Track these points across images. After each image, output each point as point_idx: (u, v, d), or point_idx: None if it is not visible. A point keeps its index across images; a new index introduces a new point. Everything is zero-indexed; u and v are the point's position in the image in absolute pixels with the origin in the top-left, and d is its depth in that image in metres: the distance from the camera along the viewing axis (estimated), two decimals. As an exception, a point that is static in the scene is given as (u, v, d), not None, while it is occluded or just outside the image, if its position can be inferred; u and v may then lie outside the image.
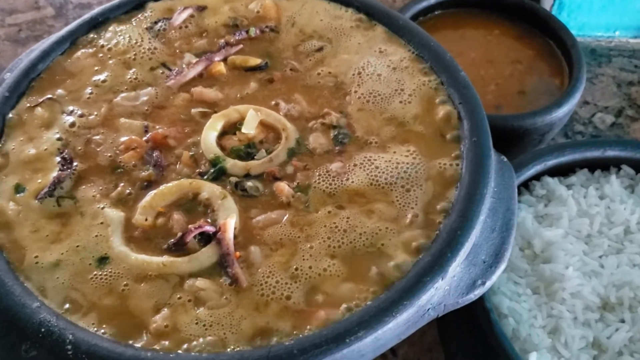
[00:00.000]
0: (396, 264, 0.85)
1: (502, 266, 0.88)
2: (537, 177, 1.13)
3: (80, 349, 0.77)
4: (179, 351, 0.79)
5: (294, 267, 0.85)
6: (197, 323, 0.81)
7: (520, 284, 0.99)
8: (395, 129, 1.01)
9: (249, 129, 0.99)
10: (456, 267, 0.84)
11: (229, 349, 0.79)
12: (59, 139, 1.01)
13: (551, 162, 1.10)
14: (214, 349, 0.79)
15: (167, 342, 0.80)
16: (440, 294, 0.83)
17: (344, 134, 1.00)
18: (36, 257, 0.88)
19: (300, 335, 0.79)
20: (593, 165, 1.13)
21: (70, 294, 0.84)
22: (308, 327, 0.80)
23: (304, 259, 0.86)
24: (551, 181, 1.11)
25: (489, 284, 0.86)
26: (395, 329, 0.80)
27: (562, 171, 1.14)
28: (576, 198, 1.09)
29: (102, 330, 0.81)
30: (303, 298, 0.83)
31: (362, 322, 0.78)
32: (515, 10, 1.42)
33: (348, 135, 1.00)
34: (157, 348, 0.79)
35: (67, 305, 0.84)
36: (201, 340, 0.80)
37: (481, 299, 0.91)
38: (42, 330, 0.79)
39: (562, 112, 1.21)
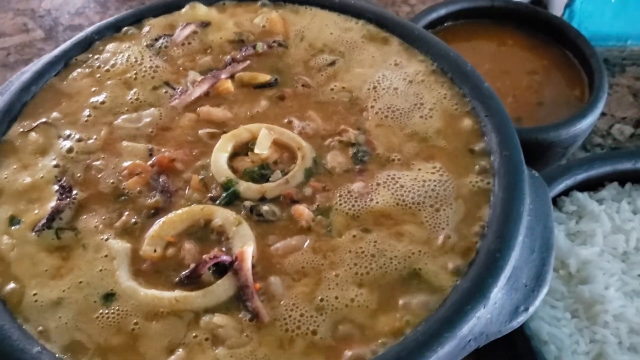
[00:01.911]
0: (432, 291, 0.78)
1: (545, 289, 0.81)
2: (566, 192, 1.06)
3: None
4: (198, 396, 0.70)
5: (319, 297, 0.78)
6: (216, 365, 0.73)
7: (558, 308, 0.92)
8: (417, 144, 0.94)
9: (262, 149, 0.92)
10: (497, 293, 0.77)
11: (253, 393, 0.70)
12: (56, 166, 0.93)
13: (581, 176, 1.04)
14: (238, 392, 0.71)
15: (184, 388, 0.71)
16: (482, 323, 0.76)
17: (363, 152, 0.93)
18: (35, 294, 0.80)
19: (332, 374, 0.71)
20: (623, 178, 1.07)
21: (75, 335, 0.76)
22: (339, 363, 0.72)
23: (329, 289, 0.79)
24: (581, 196, 1.05)
25: (532, 309, 0.79)
26: (434, 363, 0.72)
27: (590, 185, 1.08)
28: (609, 213, 1.02)
29: (111, 376, 0.72)
30: (330, 332, 0.76)
31: (401, 359, 0.70)
32: (528, 20, 1.37)
33: (368, 153, 0.93)
34: (174, 395, 0.71)
35: (71, 349, 0.75)
36: (222, 384, 0.71)
37: (520, 326, 0.84)
38: (44, 378, 0.70)
39: (586, 124, 1.15)
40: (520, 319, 0.78)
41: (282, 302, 0.78)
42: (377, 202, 0.87)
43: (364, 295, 0.78)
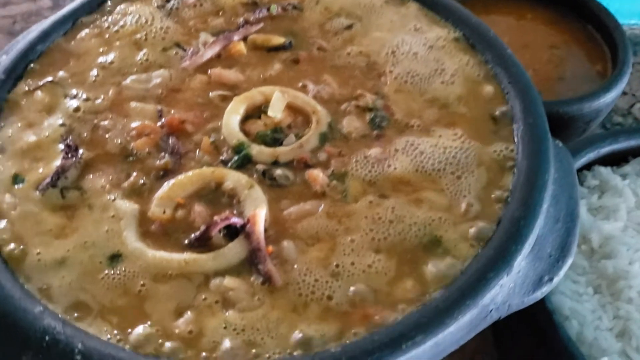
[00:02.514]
0: (454, 258, 0.75)
1: (570, 260, 0.78)
2: (588, 166, 1.03)
3: (91, 359, 0.65)
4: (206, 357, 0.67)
5: (334, 263, 0.75)
6: (226, 327, 0.70)
7: (580, 283, 0.89)
8: (438, 111, 0.90)
9: (276, 112, 0.89)
10: (521, 262, 0.74)
11: (266, 356, 0.67)
12: (62, 125, 0.90)
13: (605, 149, 1.01)
14: (249, 356, 0.67)
15: (191, 350, 0.68)
16: (505, 293, 0.73)
17: (381, 117, 0.89)
18: (38, 254, 0.76)
19: (348, 341, 0.68)
20: (648, 154, 1.03)
21: (79, 295, 0.73)
22: (354, 331, 0.69)
23: (344, 254, 0.75)
24: (604, 171, 1.01)
25: (556, 280, 0.76)
26: (456, 333, 0.69)
27: (613, 160, 1.04)
28: (633, 189, 0.99)
29: (117, 338, 0.69)
30: (346, 298, 0.72)
31: (420, 326, 0.67)
32: (548, -7, 1.33)
33: (386, 118, 0.89)
34: (182, 357, 0.67)
35: (75, 309, 0.72)
36: (232, 346, 0.68)
37: (542, 300, 0.80)
38: (46, 338, 0.67)
39: (610, 98, 1.11)
40: (545, 289, 0.75)
41: (295, 267, 0.75)
42: (395, 168, 0.84)
43: (381, 261, 0.75)
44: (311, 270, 0.74)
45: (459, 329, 0.69)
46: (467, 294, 0.70)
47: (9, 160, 0.86)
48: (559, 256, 0.77)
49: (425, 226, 0.77)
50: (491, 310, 0.72)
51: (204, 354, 0.68)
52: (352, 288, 0.73)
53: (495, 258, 0.72)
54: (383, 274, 0.74)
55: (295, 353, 0.68)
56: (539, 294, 0.75)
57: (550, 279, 0.75)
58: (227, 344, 0.68)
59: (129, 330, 0.70)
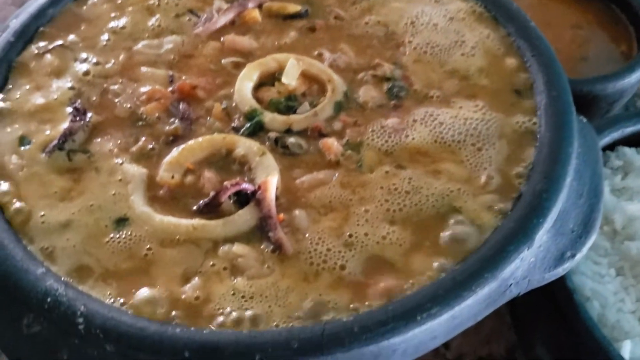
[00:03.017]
0: (473, 230, 0.71)
1: (593, 237, 0.74)
2: (611, 147, 0.99)
3: (94, 323, 0.63)
4: (213, 327, 0.64)
5: (348, 233, 0.72)
6: (234, 294, 0.67)
7: (602, 264, 0.85)
8: (459, 82, 0.88)
9: (290, 79, 0.86)
10: (543, 236, 0.70)
11: (273, 325, 0.64)
12: (71, 88, 0.88)
13: (629, 129, 0.97)
14: (256, 324, 0.65)
15: (198, 315, 0.66)
16: (525, 267, 0.70)
17: (399, 87, 0.86)
18: (42, 216, 0.74)
19: (361, 311, 0.65)
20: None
21: (82, 259, 0.71)
22: (367, 302, 0.66)
23: (358, 225, 0.73)
24: (628, 151, 0.98)
25: (579, 256, 0.73)
26: (473, 306, 0.66)
27: (638, 141, 1.00)
28: (658, 170, 0.95)
29: (120, 302, 0.67)
30: (360, 269, 0.69)
31: (437, 297, 0.64)
32: (572, -28, 1.29)
33: (404, 89, 0.86)
34: (187, 322, 0.65)
35: (78, 273, 0.70)
36: (240, 313, 0.66)
37: (562, 279, 0.77)
38: (48, 300, 0.65)
39: (635, 78, 1.08)
40: (567, 266, 0.72)
41: (307, 236, 0.72)
42: (413, 139, 0.81)
43: (396, 232, 0.72)
44: (323, 240, 0.72)
45: (477, 302, 0.66)
46: (486, 266, 0.67)
47: (16, 122, 0.84)
48: (582, 232, 0.74)
49: (443, 197, 0.74)
50: (510, 285, 0.69)
51: (210, 319, 0.65)
52: (365, 259, 0.70)
53: (516, 231, 0.69)
54: (398, 245, 0.71)
55: (304, 323, 0.65)
56: (560, 270, 0.72)
57: (573, 255, 0.72)
58: (234, 310, 0.66)
59: (133, 294, 0.68)
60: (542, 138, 0.79)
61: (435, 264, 0.69)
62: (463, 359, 0.99)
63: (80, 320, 0.64)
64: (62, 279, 0.69)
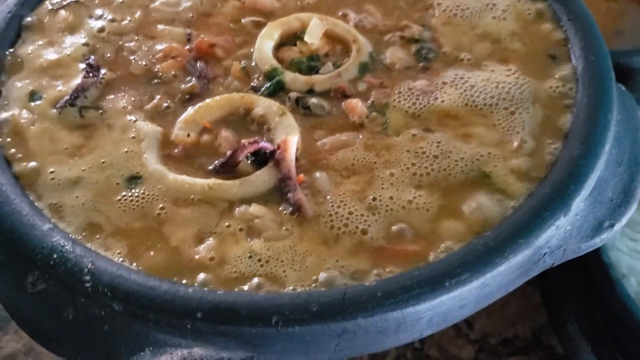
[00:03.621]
0: (505, 196, 0.67)
1: (633, 206, 0.70)
2: (649, 121, 0.93)
3: (102, 281, 0.60)
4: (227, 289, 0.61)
5: (371, 197, 0.68)
6: (250, 256, 0.63)
7: (639, 241, 0.80)
8: (490, 46, 0.83)
9: (313, 38, 0.82)
10: (580, 203, 0.66)
11: (290, 288, 0.60)
12: (85, 44, 0.85)
13: (669, 102, 0.91)
14: (273, 287, 0.61)
15: (212, 277, 0.62)
16: (561, 235, 0.65)
17: (428, 49, 0.82)
18: (52, 172, 0.71)
19: (382, 277, 0.61)
20: None
21: (92, 216, 0.67)
22: (389, 268, 0.62)
23: (382, 188, 0.68)
24: (667, 125, 0.92)
25: (617, 226, 0.68)
26: (506, 274, 0.62)
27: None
28: (698, 145, 0.89)
29: (131, 260, 0.63)
30: (383, 234, 0.65)
31: (467, 263, 0.60)
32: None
33: (434, 51, 0.82)
34: (200, 282, 0.61)
35: (87, 231, 0.66)
36: (256, 276, 0.62)
37: (597, 253, 0.73)
38: (54, 257, 0.62)
39: (674, 51, 1.01)
40: (604, 236, 0.67)
41: (328, 198, 0.68)
42: (443, 101, 0.76)
43: (422, 197, 0.68)
44: (345, 203, 0.68)
45: (509, 270, 0.62)
46: (520, 232, 0.62)
47: (27, 78, 0.81)
48: (621, 201, 0.69)
49: (473, 162, 0.70)
50: (544, 254, 0.64)
51: (224, 281, 0.62)
52: (389, 223, 0.66)
53: (552, 196, 0.65)
54: (425, 210, 0.67)
55: (323, 287, 0.61)
56: (598, 241, 0.67)
57: (612, 225, 0.67)
58: (249, 271, 0.62)
59: (144, 252, 0.64)
60: (579, 103, 0.74)
61: (464, 231, 0.65)
62: (487, 339, 0.94)
63: (87, 277, 0.60)
64: (70, 235, 0.65)
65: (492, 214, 0.66)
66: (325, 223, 0.66)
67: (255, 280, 0.62)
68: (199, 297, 0.58)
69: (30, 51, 0.83)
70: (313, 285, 0.61)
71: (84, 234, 0.66)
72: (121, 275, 0.61)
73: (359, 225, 0.66)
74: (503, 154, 0.71)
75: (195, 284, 0.61)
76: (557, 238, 0.65)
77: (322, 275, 0.62)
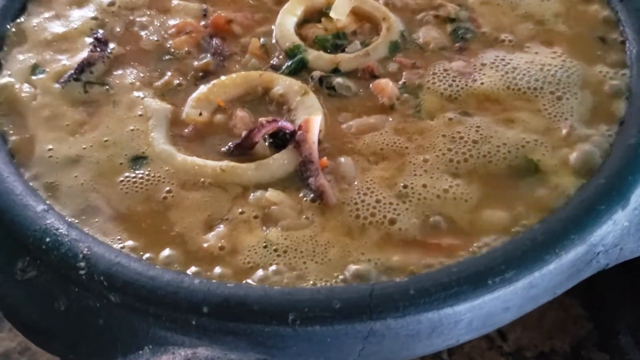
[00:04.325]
0: (554, 186, 0.59)
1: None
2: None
3: (98, 268, 0.53)
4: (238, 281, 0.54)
5: (401, 184, 0.61)
6: (265, 246, 0.56)
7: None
8: (533, 27, 0.76)
9: (339, 14, 0.75)
10: (639, 196, 0.58)
11: (310, 283, 0.53)
12: (93, 18, 0.79)
13: None
14: (290, 281, 0.53)
15: (221, 269, 0.55)
16: (618, 232, 0.57)
17: (465, 29, 0.75)
18: (50, 149, 0.64)
19: (416, 273, 0.53)
20: None
21: (91, 198, 0.61)
22: (423, 262, 0.54)
23: (415, 175, 0.61)
24: None
25: (682, 225, 0.60)
26: (555, 274, 0.54)
27: None
28: None
29: (131, 246, 0.56)
30: (415, 225, 0.58)
31: (513, 259, 0.53)
32: None
33: (471, 31, 0.75)
34: (208, 274, 0.54)
35: (84, 214, 0.59)
36: (271, 269, 0.55)
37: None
38: (47, 240, 0.55)
39: None
40: (668, 235, 0.59)
41: (354, 184, 0.61)
42: (482, 84, 0.69)
43: (460, 186, 0.61)
44: (373, 190, 0.61)
45: (560, 270, 0.54)
46: (573, 226, 0.55)
47: (31, 51, 0.75)
48: (687, 197, 0.61)
49: (517, 149, 0.63)
50: (599, 253, 0.57)
51: (234, 272, 0.54)
52: (422, 214, 0.58)
53: (608, 188, 0.57)
54: (463, 200, 0.60)
55: (347, 283, 0.54)
56: (660, 240, 0.59)
57: (676, 223, 0.59)
58: (264, 263, 0.55)
59: (147, 239, 0.57)
60: (636, 89, 0.67)
61: (509, 224, 0.57)
62: (522, 353, 0.86)
63: (82, 264, 0.54)
64: (66, 218, 0.58)
65: (540, 206, 0.58)
66: (349, 212, 0.59)
67: (271, 271, 0.55)
68: (205, 289, 0.51)
69: (35, 24, 0.78)
70: (336, 280, 0.54)
71: (81, 217, 0.60)
72: (120, 262, 0.54)
73: (387, 215, 0.59)
74: (551, 142, 0.63)
75: (202, 275, 0.54)
76: (614, 235, 0.57)
77: (347, 270, 0.54)
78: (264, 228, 0.58)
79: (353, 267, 0.55)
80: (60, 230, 0.56)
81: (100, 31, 0.76)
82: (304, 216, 0.59)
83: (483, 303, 0.51)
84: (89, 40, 0.76)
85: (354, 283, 0.54)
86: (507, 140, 0.64)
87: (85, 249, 0.55)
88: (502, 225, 0.57)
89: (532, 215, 0.58)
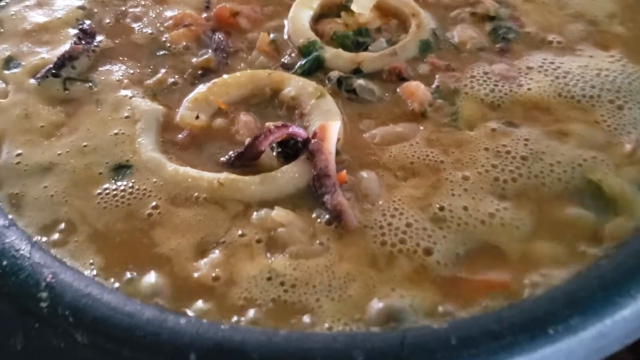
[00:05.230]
0: (622, 213, 0.50)
1: None
2: None
3: (63, 300, 0.44)
4: (234, 321, 0.43)
5: (437, 205, 0.51)
6: (270, 278, 0.46)
7: None
8: (584, 27, 0.67)
9: (362, 8, 0.67)
10: None
11: (325, 326, 0.42)
12: (80, 8, 0.72)
13: None
14: (300, 323, 0.43)
15: (214, 304, 0.44)
16: None
17: (507, 28, 0.67)
18: (19, 155, 0.55)
19: (457, 317, 0.43)
20: None
21: (61, 212, 0.52)
22: (466, 304, 0.44)
23: (453, 195, 0.52)
24: None
25: None
26: (631, 320, 0.43)
27: None
28: None
29: (105, 274, 0.46)
30: (455, 255, 0.47)
31: (577, 302, 0.42)
32: None
33: (514, 31, 0.67)
34: (197, 313, 0.43)
35: (53, 231, 0.49)
36: (276, 305, 0.44)
37: None
38: (4, 264, 0.47)
39: None
40: None
41: (378, 204, 0.50)
42: (529, 89, 0.60)
43: (509, 210, 0.51)
44: (402, 212, 0.51)
45: (636, 315, 0.43)
46: (652, 262, 0.44)
47: (6, 41, 0.69)
48: None
49: (573, 167, 0.53)
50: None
51: (230, 313, 0.44)
52: (464, 242, 0.48)
53: (692, 215, 0.47)
54: (513, 227, 0.50)
55: (372, 327, 0.43)
56: None
57: None
58: (268, 301, 0.44)
59: (126, 264, 0.46)
60: None
61: (569, 257, 0.47)
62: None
63: (44, 294, 0.45)
64: (29, 236, 0.48)
65: (607, 236, 0.48)
66: (373, 237, 0.49)
67: (278, 310, 0.44)
68: (194, 331, 0.42)
69: (13, 12, 0.70)
70: (358, 324, 0.43)
71: (48, 235, 0.50)
72: (90, 294, 0.45)
73: (421, 243, 0.48)
74: (613, 159, 0.54)
75: (191, 313, 0.44)
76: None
77: (371, 310, 0.44)
78: (269, 255, 0.49)
79: (379, 306, 0.44)
80: (21, 252, 0.47)
81: (87, 22, 0.69)
82: (318, 241, 0.49)
83: (542, 357, 0.40)
84: (74, 31, 0.68)
85: (380, 328, 0.43)
86: (561, 157, 0.54)
87: (50, 276, 0.45)
88: (561, 259, 0.48)
89: (598, 248, 0.47)
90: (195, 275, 0.47)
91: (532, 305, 0.43)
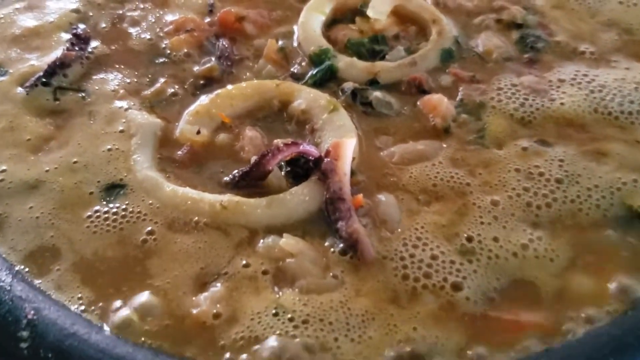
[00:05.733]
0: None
1: None
2: None
3: (46, 340, 0.41)
4: (239, 366, 0.39)
5: (464, 235, 0.46)
6: (277, 314, 0.41)
7: None
8: (618, 37, 0.64)
9: (379, 13, 0.63)
10: None
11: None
12: (74, 11, 0.67)
13: None
14: (315, 369, 0.38)
15: (215, 345, 0.39)
16: None
17: (535, 37, 0.63)
18: (3, 171, 0.52)
19: (489, 362, 0.38)
20: None
21: (47, 237, 0.48)
22: (498, 347, 0.39)
23: (482, 224, 0.46)
24: None
25: None
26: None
27: None
28: None
29: (93, 310, 0.41)
30: (485, 292, 0.43)
31: (623, 350, 0.37)
32: None
33: (543, 39, 0.63)
34: (196, 354, 0.38)
35: (38, 259, 0.45)
36: (284, 347, 0.39)
37: None
38: (-19, 297, 0.40)
39: None
40: None
41: (398, 232, 0.45)
42: (562, 104, 0.55)
43: (543, 240, 0.46)
44: (425, 242, 0.46)
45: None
46: None
47: None
48: None
49: (611, 192, 0.48)
50: None
51: (233, 351, 0.39)
52: (495, 276, 0.43)
53: None
54: (547, 260, 0.45)
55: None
56: None
57: None
58: (274, 342, 0.39)
59: (117, 299, 0.41)
60: None
61: (612, 294, 0.42)
62: None
63: (25, 333, 0.41)
64: (11, 265, 0.43)
65: (657, 272, 0.43)
66: (394, 270, 0.45)
67: (284, 353, 0.39)
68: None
69: (1, 16, 0.66)
70: (382, 366, 0.39)
71: (32, 263, 0.45)
72: (76, 334, 0.40)
73: (448, 277, 0.43)
74: None
75: (187, 355, 0.39)
76: None
77: (396, 351, 0.39)
78: (276, 288, 0.44)
79: (400, 349, 0.40)
80: (0, 283, 0.41)
81: (82, 26, 0.65)
82: (331, 274, 0.44)
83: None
84: (67, 36, 0.64)
85: (403, 375, 0.38)
86: (599, 181, 0.49)
87: (32, 312, 0.41)
88: (602, 297, 0.42)
89: (643, 284, 0.42)
90: (195, 311, 0.42)
91: (572, 350, 0.38)
